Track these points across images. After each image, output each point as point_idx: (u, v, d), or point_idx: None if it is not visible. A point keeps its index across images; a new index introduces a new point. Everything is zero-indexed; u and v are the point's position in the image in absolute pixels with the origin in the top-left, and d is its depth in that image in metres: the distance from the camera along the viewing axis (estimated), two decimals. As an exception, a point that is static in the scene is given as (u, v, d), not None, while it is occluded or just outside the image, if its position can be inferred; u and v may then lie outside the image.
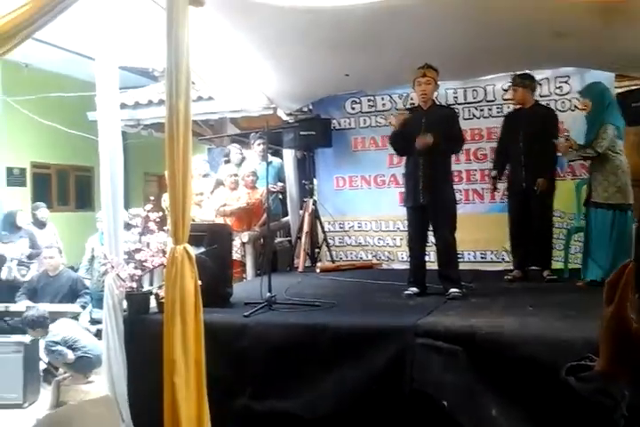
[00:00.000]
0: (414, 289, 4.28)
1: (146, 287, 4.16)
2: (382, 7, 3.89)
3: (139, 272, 3.99)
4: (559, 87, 5.60)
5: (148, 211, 4.15)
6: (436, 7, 3.92)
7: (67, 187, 10.73)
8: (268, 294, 4.03)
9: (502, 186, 5.60)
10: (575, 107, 5.50)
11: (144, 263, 4.02)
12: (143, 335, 3.91)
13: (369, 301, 4.28)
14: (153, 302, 4.10)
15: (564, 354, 2.90)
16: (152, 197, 5.16)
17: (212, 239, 4.21)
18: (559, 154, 4.73)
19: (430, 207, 4.21)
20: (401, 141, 4.37)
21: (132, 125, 8.19)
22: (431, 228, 4.35)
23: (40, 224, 7.18)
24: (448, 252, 4.27)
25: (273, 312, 3.90)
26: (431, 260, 4.78)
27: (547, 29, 4.43)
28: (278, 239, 6.75)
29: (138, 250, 4.05)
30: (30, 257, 6.82)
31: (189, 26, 3.14)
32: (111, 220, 3.94)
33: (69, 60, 9.18)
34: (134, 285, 3.97)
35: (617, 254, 4.20)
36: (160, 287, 4.07)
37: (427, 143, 4.13)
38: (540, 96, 5.55)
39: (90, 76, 9.48)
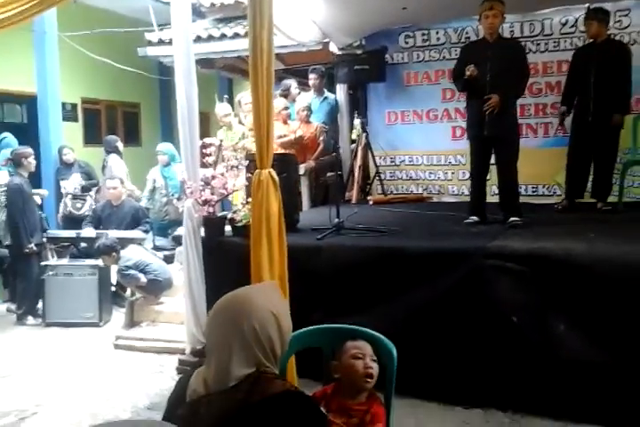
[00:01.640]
0: (475, 218, 4.46)
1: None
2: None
3: (215, 198, 4.24)
4: (619, 21, 5.52)
5: (222, 141, 4.35)
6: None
7: (115, 122, 10.94)
8: (337, 220, 4.25)
9: (556, 120, 5.69)
10: (634, 41, 5.48)
11: (220, 189, 4.27)
12: (220, 256, 4.22)
13: (431, 228, 4.49)
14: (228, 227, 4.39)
15: (633, 274, 3.12)
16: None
17: (281, 168, 4.38)
18: None
19: (495, 139, 4.33)
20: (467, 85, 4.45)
21: (180, 61, 8.20)
22: (493, 160, 4.49)
23: (120, 154, 7.41)
24: (510, 182, 4.43)
25: (342, 236, 4.13)
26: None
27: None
28: (329, 173, 6.91)
29: (213, 177, 4.27)
30: (84, 190, 7.11)
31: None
32: (188, 149, 4.14)
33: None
34: (211, 209, 4.23)
35: None
36: (234, 212, 4.33)
37: (494, 103, 4.21)
38: (599, 30, 5.53)
39: (135, 11, 9.53)
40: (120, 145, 7.38)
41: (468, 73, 4.27)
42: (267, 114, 3.33)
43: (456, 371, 3.44)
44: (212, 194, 4.22)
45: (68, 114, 9.39)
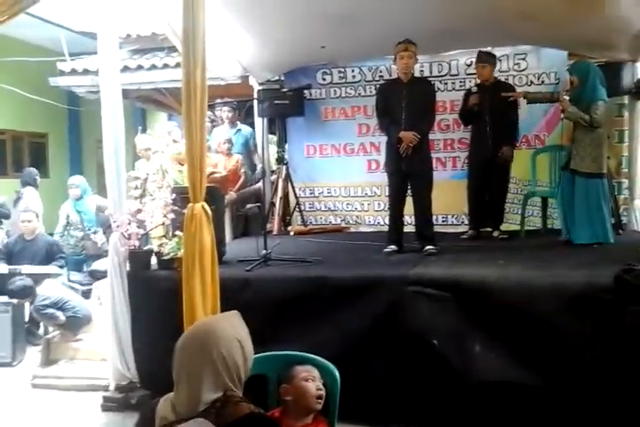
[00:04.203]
0: (393, 247, 4.68)
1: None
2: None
3: (141, 231, 4.25)
4: (517, 64, 6.07)
5: (148, 174, 4.38)
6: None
7: (21, 153, 10.57)
8: (264, 251, 4.35)
9: (463, 155, 6.12)
10: (531, 82, 6.02)
11: (145, 223, 4.28)
12: (146, 289, 4.20)
13: (353, 258, 4.67)
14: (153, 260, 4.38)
15: (540, 297, 3.42)
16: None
17: (208, 200, 4.45)
18: (561, 108, 4.97)
19: (411, 173, 4.62)
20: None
21: (94, 91, 8.12)
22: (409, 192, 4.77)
23: (36, 187, 7.19)
24: (425, 213, 4.71)
25: (269, 267, 4.23)
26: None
27: (512, 11, 4.87)
28: (249, 205, 7.02)
29: (139, 210, 4.29)
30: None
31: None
32: (115, 181, 4.13)
33: (22, 23, 9.00)
34: (137, 243, 4.22)
35: (596, 218, 4.67)
36: (160, 245, 4.33)
37: (411, 140, 4.51)
38: (500, 72, 6.01)
39: (45, 40, 9.34)
40: (38, 178, 7.20)
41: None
42: (200, 149, 3.42)
43: (382, 393, 3.59)
44: (139, 227, 4.23)
45: (-28, 144, 9.04)
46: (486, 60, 5.41)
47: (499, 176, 5.40)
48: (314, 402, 2.08)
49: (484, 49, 5.62)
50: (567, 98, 4.82)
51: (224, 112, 6.90)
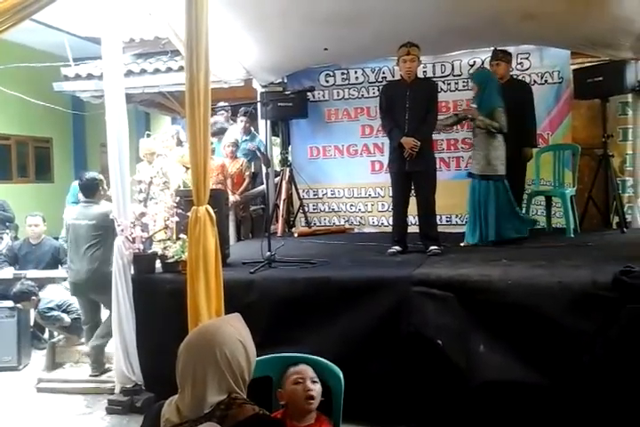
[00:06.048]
0: (397, 247, 4.69)
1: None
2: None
3: (145, 235, 4.25)
4: (520, 63, 6.05)
5: (152, 178, 4.38)
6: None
7: (26, 158, 10.63)
8: (268, 253, 4.34)
9: (467, 155, 6.11)
10: (534, 81, 6.00)
11: (149, 226, 4.29)
12: (150, 292, 4.21)
13: (358, 258, 4.65)
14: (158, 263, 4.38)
15: (544, 296, 3.40)
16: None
17: (213, 204, 4.46)
18: (467, 116, 5.04)
19: (415, 174, 4.61)
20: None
21: (98, 96, 8.16)
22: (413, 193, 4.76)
23: None
24: (428, 213, 4.70)
25: (274, 269, 4.23)
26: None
27: (515, 11, 4.87)
28: (253, 207, 7.02)
29: (143, 214, 4.29)
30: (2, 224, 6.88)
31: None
32: (119, 186, 4.14)
33: (27, 29, 9.05)
34: (141, 246, 4.23)
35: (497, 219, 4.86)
36: (165, 248, 4.33)
37: (412, 146, 4.51)
38: (502, 71, 6.01)
39: (49, 46, 9.36)
40: None
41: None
42: (203, 152, 3.41)
43: (387, 394, 3.58)
44: (143, 231, 4.23)
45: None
46: (500, 57, 5.39)
47: (517, 176, 5.31)
48: (304, 403, 2.08)
49: (501, 47, 5.59)
50: (475, 106, 4.92)
51: (242, 121, 6.84)
